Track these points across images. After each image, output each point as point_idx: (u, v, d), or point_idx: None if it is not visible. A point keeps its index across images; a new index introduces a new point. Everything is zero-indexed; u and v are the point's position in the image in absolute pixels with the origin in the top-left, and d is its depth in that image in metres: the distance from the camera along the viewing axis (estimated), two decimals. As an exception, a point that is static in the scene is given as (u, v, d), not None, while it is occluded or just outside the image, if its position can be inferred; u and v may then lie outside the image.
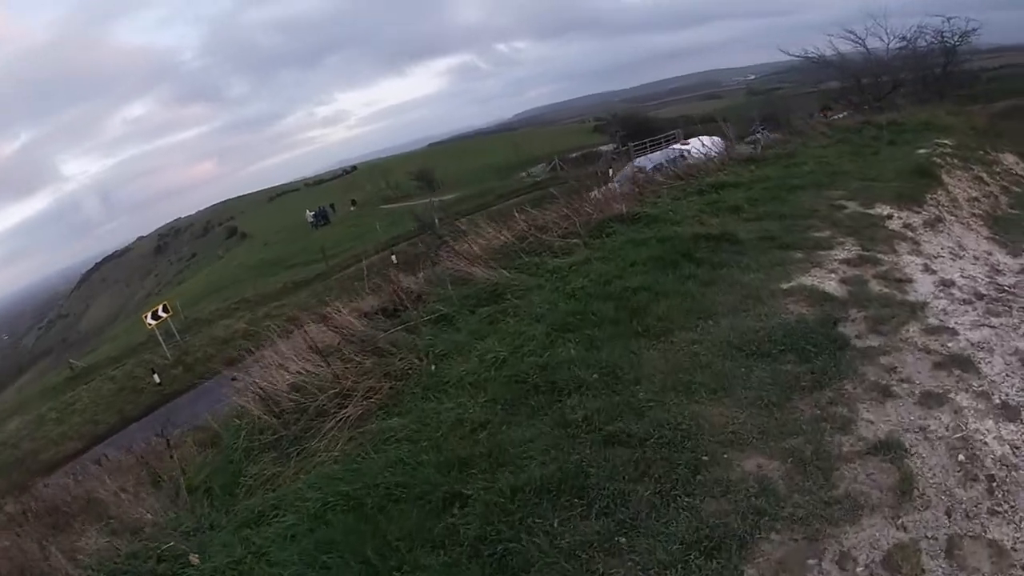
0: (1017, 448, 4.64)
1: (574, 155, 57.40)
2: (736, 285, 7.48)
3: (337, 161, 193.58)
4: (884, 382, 5.38)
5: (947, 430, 4.81)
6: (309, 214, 74.99)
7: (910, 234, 9.16)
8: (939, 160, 13.27)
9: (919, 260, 8.16)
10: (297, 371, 8.37)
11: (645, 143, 46.24)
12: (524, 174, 59.69)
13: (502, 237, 11.35)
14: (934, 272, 7.80)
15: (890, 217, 9.56)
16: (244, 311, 37.35)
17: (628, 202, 11.79)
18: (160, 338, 30.46)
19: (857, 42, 31.26)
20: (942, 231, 9.67)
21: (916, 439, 4.73)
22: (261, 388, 8.25)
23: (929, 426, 4.85)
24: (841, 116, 30.23)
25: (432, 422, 6.12)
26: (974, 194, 12.17)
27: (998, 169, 14.27)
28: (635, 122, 59.88)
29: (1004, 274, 8.40)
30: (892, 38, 31.01)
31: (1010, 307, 6.81)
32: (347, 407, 7.14)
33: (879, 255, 8.10)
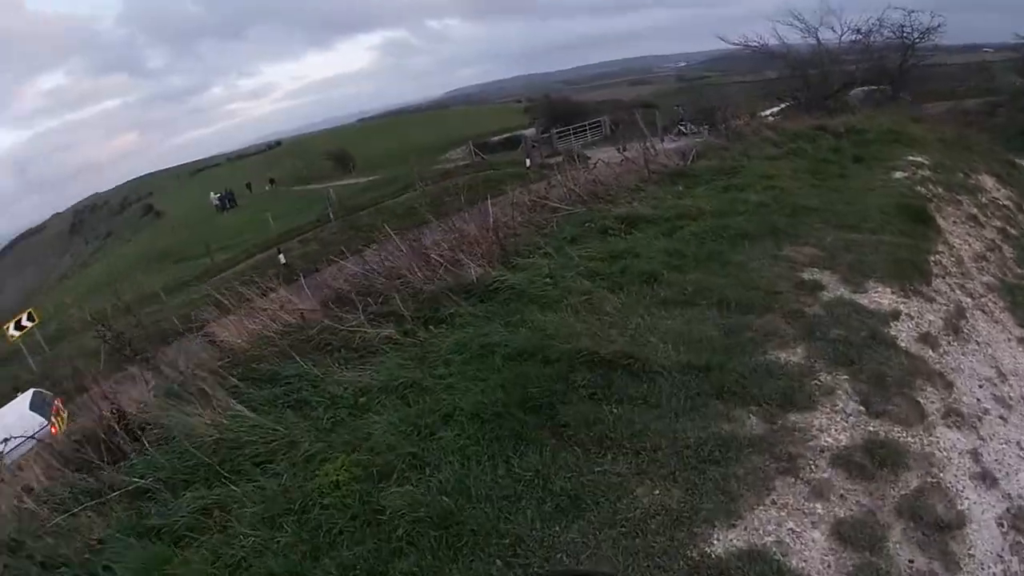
0: None
1: (496, 139, 53.21)
2: (623, 526, 3.58)
3: (264, 135, 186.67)
4: None
5: None
6: (214, 197, 69.84)
7: (931, 356, 5.43)
8: (924, 190, 9.83)
9: (961, 440, 4.48)
10: None
11: (569, 130, 42.35)
12: (444, 157, 55.43)
13: (287, 315, 7.29)
14: (992, 479, 4.21)
15: (896, 316, 5.79)
16: (117, 317, 32.94)
17: (492, 251, 7.83)
18: (25, 351, 26.63)
19: (807, 32, 27.76)
20: (968, 339, 6.01)
21: None
22: None
23: None
24: (776, 111, 26.92)
25: None
26: (977, 247, 8.68)
27: (984, 200, 10.93)
28: (564, 107, 55.69)
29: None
30: (846, 30, 27.67)
31: None
32: None
33: (896, 430, 4.36)
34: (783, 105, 27.91)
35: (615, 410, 4.45)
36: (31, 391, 17.15)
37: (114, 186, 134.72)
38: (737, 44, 29.86)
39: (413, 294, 7.02)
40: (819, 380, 4.75)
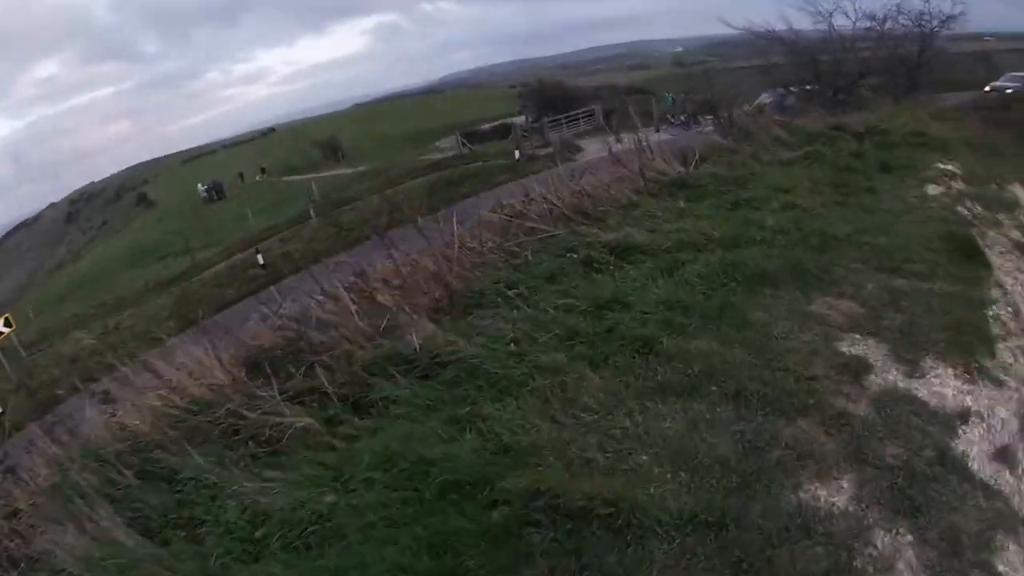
0: None
1: (487, 127, 51.32)
2: None
3: (259, 121, 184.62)
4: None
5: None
6: (201, 188, 68.32)
7: (1010, 484, 4.06)
8: (964, 211, 8.51)
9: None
10: None
11: (561, 119, 40.53)
12: (435, 145, 53.75)
13: (194, 389, 5.82)
14: None
15: (965, 418, 4.36)
16: (98, 320, 32.34)
17: (449, 292, 6.34)
18: (2, 356, 25.57)
19: (818, 17, 25.81)
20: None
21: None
22: None
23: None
24: (768, 99, 25.32)
25: None
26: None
27: (1022, 217, 9.51)
28: (556, 92, 53.55)
29: None
30: (859, 16, 25.76)
31: None
32: None
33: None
34: (780, 91, 26.23)
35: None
36: None
37: (110, 174, 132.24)
38: (741, 29, 27.95)
39: (346, 357, 5.55)
40: (875, 546, 3.28)
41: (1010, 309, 6.29)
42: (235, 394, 5.50)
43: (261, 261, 27.60)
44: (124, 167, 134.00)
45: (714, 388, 4.44)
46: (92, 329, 29.79)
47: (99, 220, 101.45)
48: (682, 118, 33.91)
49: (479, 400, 4.51)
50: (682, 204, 8.72)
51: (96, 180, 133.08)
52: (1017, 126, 23.88)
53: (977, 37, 41.14)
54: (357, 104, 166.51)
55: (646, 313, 5.42)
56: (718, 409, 4.26)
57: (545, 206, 8.96)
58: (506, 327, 5.30)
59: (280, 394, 5.23)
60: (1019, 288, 6.95)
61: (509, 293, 6.10)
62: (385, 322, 5.95)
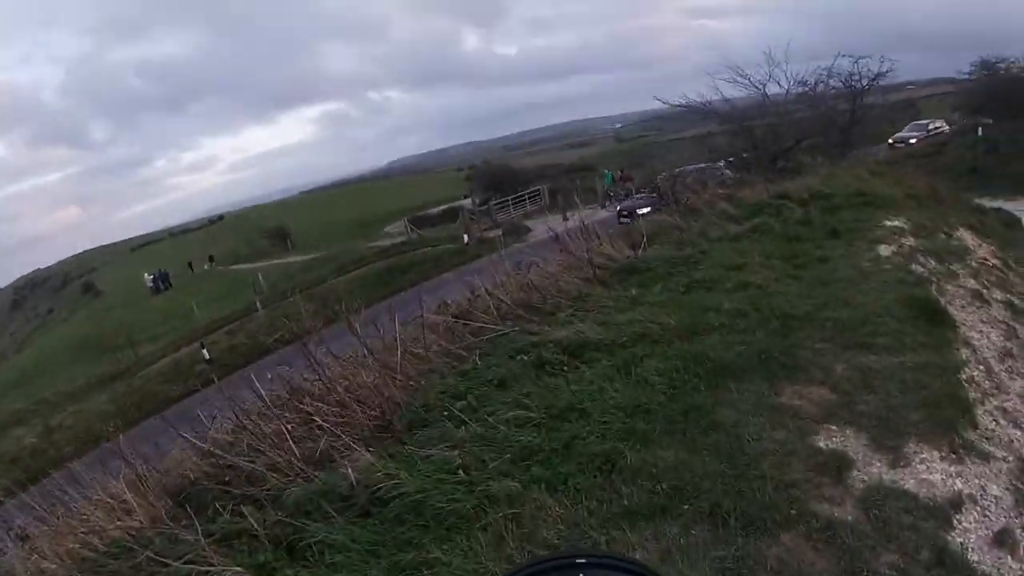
0: None
1: (435, 211, 51.55)
2: None
3: (207, 209, 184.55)
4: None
5: None
6: (148, 277, 67.14)
7: (1013, 571, 3.77)
8: (920, 268, 8.32)
9: None
10: None
11: (508, 200, 40.67)
12: (384, 231, 53.67)
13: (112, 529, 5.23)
14: None
15: (958, 505, 4.06)
16: (40, 417, 31.06)
17: (390, 400, 5.83)
18: None
19: (752, 87, 26.27)
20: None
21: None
22: None
23: None
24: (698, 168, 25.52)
25: None
26: (995, 338, 7.10)
27: (974, 263, 9.49)
28: (502, 174, 53.96)
29: None
30: (792, 82, 26.43)
31: None
32: None
33: None
34: (681, 171, 26.18)
35: None
36: None
37: (56, 261, 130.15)
38: (677, 104, 28.19)
39: (278, 492, 4.99)
40: None
41: (982, 368, 6.09)
42: (157, 536, 4.92)
43: (207, 356, 27.40)
44: (71, 254, 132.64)
45: (686, 507, 3.99)
46: (33, 427, 28.95)
47: (45, 308, 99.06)
48: (623, 195, 34.63)
49: (425, 542, 3.98)
50: (634, 291, 8.38)
51: (42, 267, 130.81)
52: (950, 169, 24.78)
53: (900, 87, 43.11)
54: (304, 191, 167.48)
55: (605, 422, 4.98)
56: (693, 532, 3.80)
57: (492, 302, 8.56)
58: (453, 453, 4.79)
59: (207, 536, 4.65)
60: (986, 343, 6.79)
61: (456, 406, 5.60)
62: (322, 444, 5.43)
